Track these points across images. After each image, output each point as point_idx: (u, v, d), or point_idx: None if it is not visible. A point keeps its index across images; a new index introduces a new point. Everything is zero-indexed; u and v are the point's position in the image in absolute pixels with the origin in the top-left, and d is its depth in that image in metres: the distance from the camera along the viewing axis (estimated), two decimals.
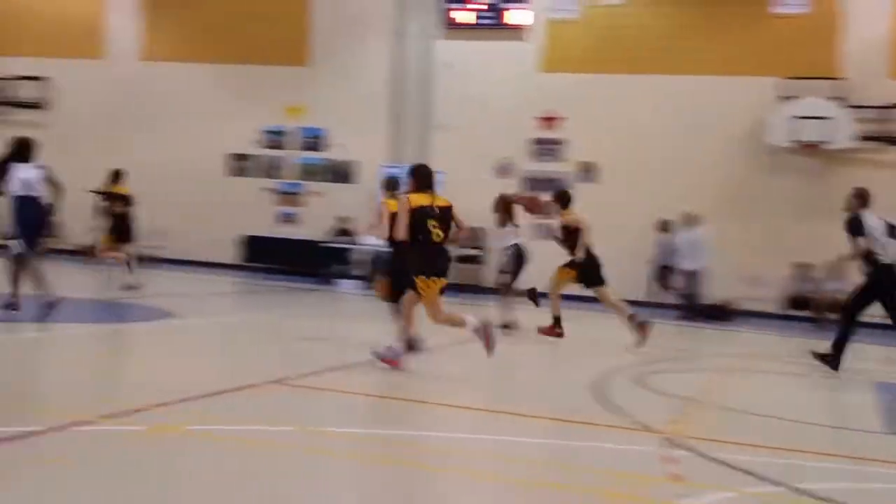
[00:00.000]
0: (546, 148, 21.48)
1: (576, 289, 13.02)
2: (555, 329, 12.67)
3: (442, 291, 9.07)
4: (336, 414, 7.25)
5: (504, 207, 13.67)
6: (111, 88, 23.47)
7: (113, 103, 23.45)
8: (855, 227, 10.62)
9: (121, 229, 15.86)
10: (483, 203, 21.52)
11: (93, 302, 14.06)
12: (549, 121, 21.39)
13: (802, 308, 18.92)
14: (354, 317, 15.54)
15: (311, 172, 22.82)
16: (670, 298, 18.95)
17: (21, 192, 10.77)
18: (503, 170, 21.50)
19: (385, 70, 22.06)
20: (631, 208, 20.25)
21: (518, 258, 13.34)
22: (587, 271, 12.52)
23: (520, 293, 13.31)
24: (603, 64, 21.01)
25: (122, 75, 23.45)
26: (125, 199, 16.09)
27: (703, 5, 20.77)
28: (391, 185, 10.31)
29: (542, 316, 12.93)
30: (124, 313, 13.21)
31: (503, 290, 13.46)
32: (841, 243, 11.10)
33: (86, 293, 14.59)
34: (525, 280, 13.44)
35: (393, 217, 9.26)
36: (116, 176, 16.65)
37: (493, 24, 21.69)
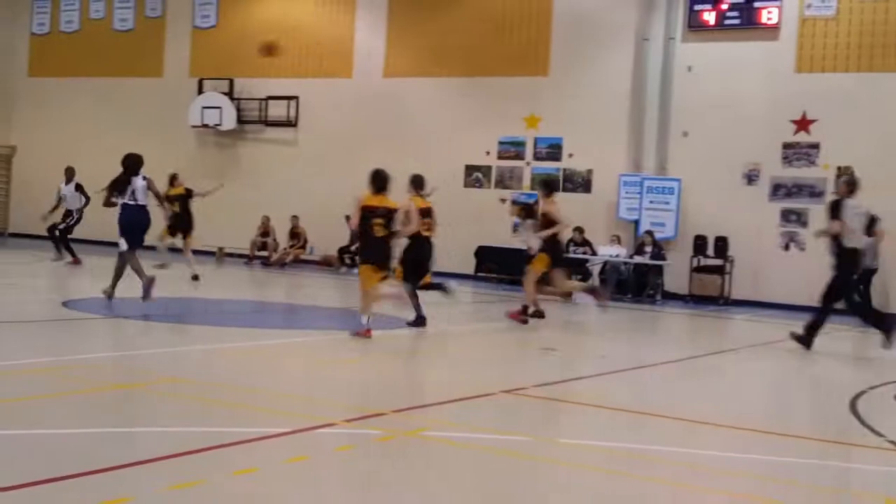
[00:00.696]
0: (799, 152, 20.30)
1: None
2: (522, 316, 13.38)
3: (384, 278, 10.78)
4: (571, 425, 7.05)
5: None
6: (357, 105, 24.34)
7: (358, 119, 24.32)
8: (833, 210, 11.87)
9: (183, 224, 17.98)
10: (728, 211, 20.84)
11: (331, 310, 14.54)
12: (802, 123, 20.22)
13: None
14: (590, 328, 15.26)
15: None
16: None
17: (132, 201, 12.42)
18: (751, 176, 20.54)
19: (625, 76, 21.64)
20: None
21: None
22: (552, 256, 13.37)
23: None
24: (862, 62, 19.67)
25: (367, 92, 24.28)
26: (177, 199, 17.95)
27: None
28: (418, 183, 12.23)
29: None
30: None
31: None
32: None
33: (329, 302, 15.14)
34: None
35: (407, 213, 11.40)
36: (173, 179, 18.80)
37: (739, 24, 20.80)
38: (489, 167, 23.27)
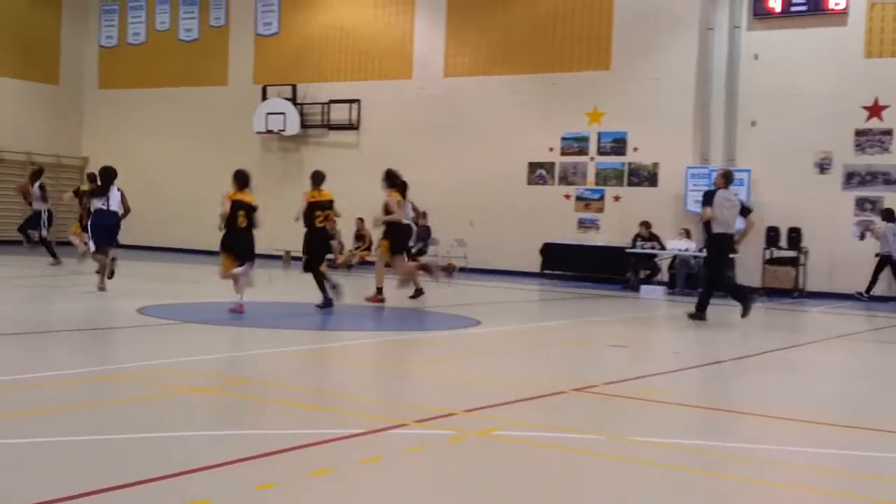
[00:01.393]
0: (871, 139, 19.81)
1: None
2: (377, 297, 14.85)
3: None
4: (645, 422, 6.94)
5: None
6: (417, 106, 24.40)
7: (419, 120, 24.37)
8: (704, 199, 13.81)
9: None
10: (801, 201, 20.40)
11: (398, 311, 14.56)
12: (874, 110, 19.73)
13: None
14: (660, 323, 15.06)
15: (611, 177, 22.51)
16: None
17: (104, 207, 14.47)
18: (823, 165, 20.11)
19: (690, 67, 21.37)
20: None
21: None
22: (391, 242, 15.05)
23: None
24: None
25: (428, 92, 24.32)
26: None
27: None
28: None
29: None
30: (432, 321, 13.58)
31: None
32: None
33: (395, 303, 15.16)
34: None
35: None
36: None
37: (806, 10, 20.38)
38: (552, 164, 23.14)
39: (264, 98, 26.06)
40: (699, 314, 13.82)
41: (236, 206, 12.73)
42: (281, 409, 6.75)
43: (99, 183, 14.92)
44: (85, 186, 19.49)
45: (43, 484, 4.64)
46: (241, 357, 9.12)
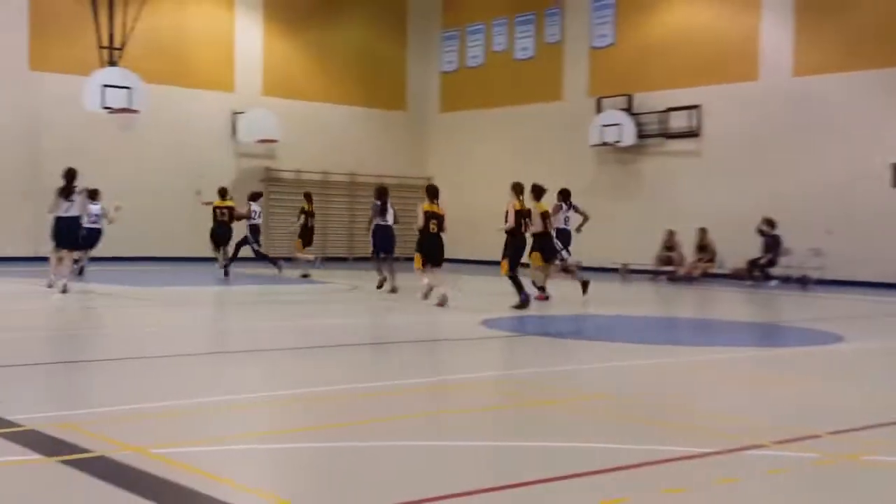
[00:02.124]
0: None
1: None
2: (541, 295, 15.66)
3: None
4: None
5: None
6: (764, 108, 23.21)
7: (766, 123, 23.16)
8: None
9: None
10: None
11: (747, 325, 13.88)
12: None
13: None
14: None
15: None
16: None
17: (65, 213, 15.31)
18: None
19: None
20: None
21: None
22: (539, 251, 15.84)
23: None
24: None
25: (775, 94, 23.08)
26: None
27: None
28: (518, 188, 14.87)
29: None
30: (787, 336, 12.81)
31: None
32: None
33: (743, 317, 14.48)
34: None
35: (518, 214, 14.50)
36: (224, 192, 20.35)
37: None
38: None
39: (599, 110, 26.03)
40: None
41: (428, 215, 14.63)
42: (628, 424, 6.58)
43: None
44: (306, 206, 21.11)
45: (435, 481, 4.80)
46: (584, 370, 9.03)
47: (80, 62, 23.83)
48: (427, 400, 7.39)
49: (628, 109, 25.49)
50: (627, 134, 25.18)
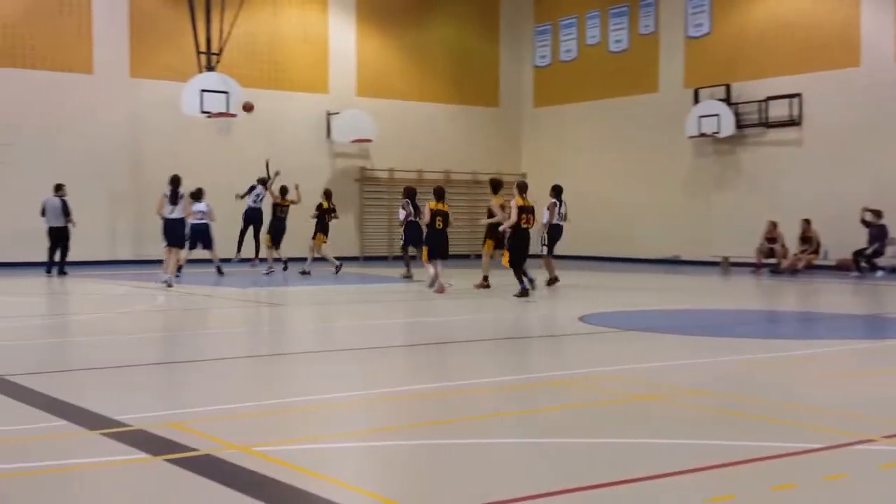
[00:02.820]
0: None
1: None
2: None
3: None
4: None
5: None
6: (868, 95, 22.46)
7: (871, 110, 22.40)
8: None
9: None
10: None
11: (852, 317, 13.46)
12: None
13: None
14: None
15: None
16: None
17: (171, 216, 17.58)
18: None
19: None
20: None
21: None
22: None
23: None
24: None
25: (880, 79, 22.31)
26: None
27: None
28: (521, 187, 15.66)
29: None
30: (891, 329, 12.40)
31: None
32: None
33: (849, 309, 14.05)
34: None
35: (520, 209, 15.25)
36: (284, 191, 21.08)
37: None
38: None
39: (696, 101, 25.56)
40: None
41: (434, 213, 16.17)
42: (731, 420, 6.44)
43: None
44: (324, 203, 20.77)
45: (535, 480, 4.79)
46: (682, 365, 8.87)
47: (179, 68, 24.47)
48: (527, 397, 7.35)
49: (726, 99, 24.97)
50: (726, 124, 24.66)
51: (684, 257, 25.96)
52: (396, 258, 22.29)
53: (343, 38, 27.87)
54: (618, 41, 28.20)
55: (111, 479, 4.95)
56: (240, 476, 4.84)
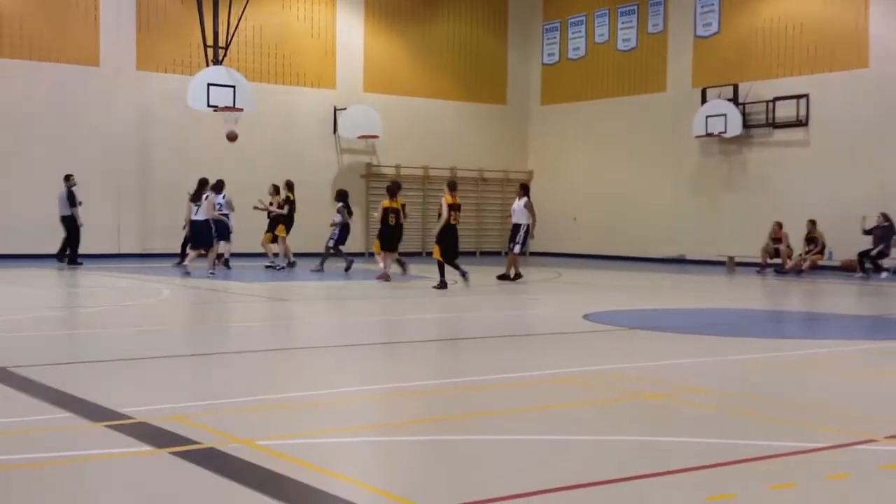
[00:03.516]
0: None
1: None
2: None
3: None
4: None
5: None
6: (877, 97, 22.41)
7: (880, 112, 22.36)
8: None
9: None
10: None
11: (857, 318, 13.46)
12: None
13: None
14: None
15: None
16: None
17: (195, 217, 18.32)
18: None
19: None
20: None
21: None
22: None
23: None
24: None
25: (884, 82, 22.29)
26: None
27: None
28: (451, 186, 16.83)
29: None
30: None
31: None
32: None
33: (853, 310, 14.05)
34: None
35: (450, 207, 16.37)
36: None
37: None
38: None
39: (703, 101, 25.54)
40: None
41: (387, 210, 17.27)
42: (732, 418, 6.47)
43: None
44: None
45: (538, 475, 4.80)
46: (686, 364, 8.88)
47: (186, 61, 24.51)
48: (532, 394, 7.36)
49: (734, 99, 24.94)
50: (733, 124, 24.64)
51: (689, 257, 25.96)
52: (402, 254, 22.29)
53: (351, 34, 27.88)
54: (626, 40, 28.18)
55: (116, 471, 4.97)
56: (244, 470, 4.86)
